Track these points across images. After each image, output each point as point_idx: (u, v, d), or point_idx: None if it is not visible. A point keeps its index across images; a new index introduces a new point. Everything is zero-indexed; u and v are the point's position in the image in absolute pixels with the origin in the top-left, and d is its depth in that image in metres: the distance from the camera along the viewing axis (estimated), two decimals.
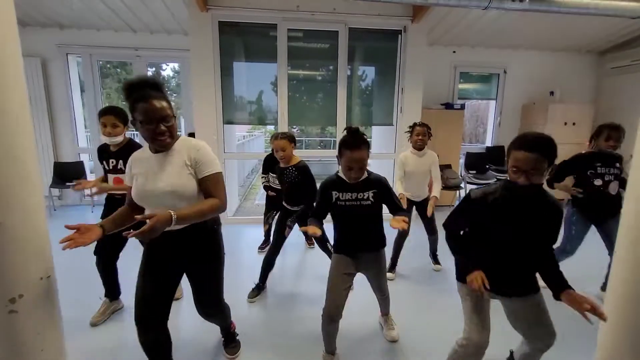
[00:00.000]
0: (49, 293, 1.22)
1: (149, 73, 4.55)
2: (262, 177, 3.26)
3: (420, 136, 2.65)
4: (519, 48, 5.20)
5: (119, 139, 2.04)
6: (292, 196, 2.44)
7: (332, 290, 1.68)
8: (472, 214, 1.39)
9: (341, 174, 1.64)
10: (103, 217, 2.13)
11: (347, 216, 1.66)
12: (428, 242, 3.00)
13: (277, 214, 2.59)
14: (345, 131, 1.59)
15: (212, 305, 1.62)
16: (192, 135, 4.16)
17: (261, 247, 3.38)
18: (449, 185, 4.82)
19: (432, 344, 1.96)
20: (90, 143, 5.02)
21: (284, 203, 2.52)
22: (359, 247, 1.71)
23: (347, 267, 1.71)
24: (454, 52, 5.13)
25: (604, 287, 2.51)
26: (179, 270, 1.51)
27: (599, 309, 1.20)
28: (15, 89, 1.09)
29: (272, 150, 3.00)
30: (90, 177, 5.00)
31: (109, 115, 1.99)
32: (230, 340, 1.88)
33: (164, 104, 1.28)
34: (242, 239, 3.77)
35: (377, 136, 5.91)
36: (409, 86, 4.23)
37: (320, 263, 2.80)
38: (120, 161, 2.07)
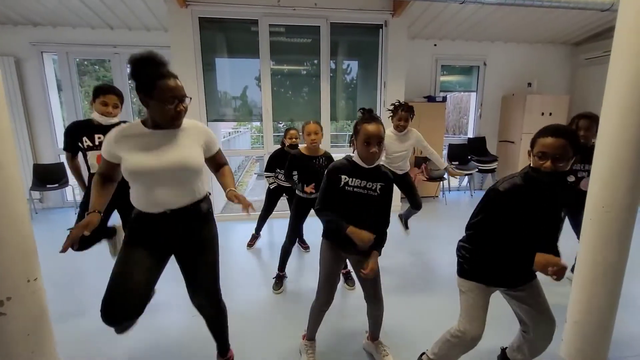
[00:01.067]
0: (37, 295, 1.23)
1: (129, 69, 4.43)
2: (267, 178, 3.06)
3: (403, 121, 2.69)
4: (497, 40, 5.32)
5: (116, 120, 1.99)
6: (317, 185, 2.39)
7: (326, 278, 1.67)
8: (505, 208, 1.33)
9: (355, 158, 1.55)
10: (83, 203, 2.07)
11: (351, 204, 1.55)
12: (407, 210, 3.04)
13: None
14: (361, 111, 1.56)
15: (210, 294, 1.50)
16: None
17: (250, 244, 3.40)
18: (433, 177, 4.94)
19: (413, 338, 1.97)
20: None
21: (299, 193, 2.48)
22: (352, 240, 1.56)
23: (338, 256, 1.67)
24: (435, 45, 5.21)
25: (572, 269, 2.66)
26: (164, 258, 1.43)
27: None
28: None
29: (289, 146, 2.87)
30: (72, 178, 4.90)
31: (112, 95, 1.94)
32: None
33: (180, 83, 1.29)
34: (231, 236, 3.79)
35: None
36: (391, 80, 4.29)
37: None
38: None
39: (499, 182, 1.36)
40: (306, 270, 2.89)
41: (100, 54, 4.72)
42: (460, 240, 1.53)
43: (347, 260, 1.79)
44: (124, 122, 2.04)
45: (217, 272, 1.51)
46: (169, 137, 1.33)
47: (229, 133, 9.91)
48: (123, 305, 1.26)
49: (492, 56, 5.41)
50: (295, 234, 2.54)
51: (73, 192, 4.81)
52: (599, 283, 1.54)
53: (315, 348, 1.84)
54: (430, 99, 5.07)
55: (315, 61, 4.22)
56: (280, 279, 2.58)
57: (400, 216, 3.21)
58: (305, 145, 2.46)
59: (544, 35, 5.21)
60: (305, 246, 3.38)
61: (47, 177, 4.53)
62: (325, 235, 1.69)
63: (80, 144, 2.01)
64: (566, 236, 2.49)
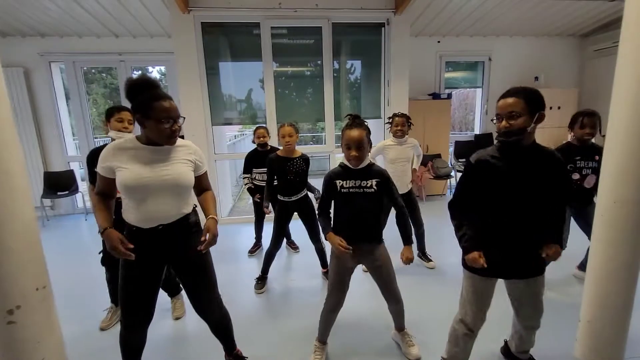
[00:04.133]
0: (46, 303, 1.24)
1: (134, 75, 4.51)
2: (244, 178, 3.15)
3: (399, 126, 2.70)
4: (503, 35, 5.25)
5: (130, 136, 2.03)
6: (296, 187, 2.51)
7: (335, 281, 1.72)
8: (477, 179, 1.40)
9: (344, 162, 1.67)
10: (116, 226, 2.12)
11: (349, 203, 1.65)
12: (415, 238, 2.92)
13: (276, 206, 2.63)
14: (347, 117, 1.68)
15: (209, 301, 1.58)
16: (181, 137, 4.15)
17: (251, 251, 3.35)
18: (440, 175, 4.89)
19: (430, 336, 1.96)
20: (80, 151, 4.98)
21: (280, 197, 2.54)
22: (356, 237, 1.66)
23: (347, 259, 1.70)
24: (439, 41, 5.16)
25: (580, 266, 2.59)
26: (161, 268, 1.52)
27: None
28: None
29: (258, 145, 3.10)
30: (82, 185, 4.98)
31: (126, 112, 2.02)
32: None
33: (174, 103, 1.38)
34: (237, 239, 3.80)
35: None
36: (395, 78, 4.26)
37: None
38: None
39: (474, 154, 1.43)
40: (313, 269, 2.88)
41: (106, 62, 4.79)
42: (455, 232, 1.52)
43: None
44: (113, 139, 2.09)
45: (214, 280, 1.60)
46: (163, 153, 1.41)
47: (235, 136, 9.97)
48: (137, 323, 1.51)
49: (498, 51, 5.33)
50: (279, 238, 2.58)
51: (83, 198, 4.89)
52: (612, 281, 1.49)
53: (325, 351, 1.84)
54: (435, 96, 5.03)
55: (318, 62, 4.21)
56: (262, 280, 2.64)
57: (417, 255, 3.01)
58: (282, 147, 2.54)
59: (550, 28, 5.11)
60: (294, 247, 3.39)
61: (57, 184, 4.61)
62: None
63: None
64: (573, 235, 2.47)
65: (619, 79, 1.46)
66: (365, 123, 1.65)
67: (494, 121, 1.36)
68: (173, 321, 2.25)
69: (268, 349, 1.95)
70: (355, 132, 1.58)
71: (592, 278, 1.58)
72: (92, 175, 2.03)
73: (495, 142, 1.40)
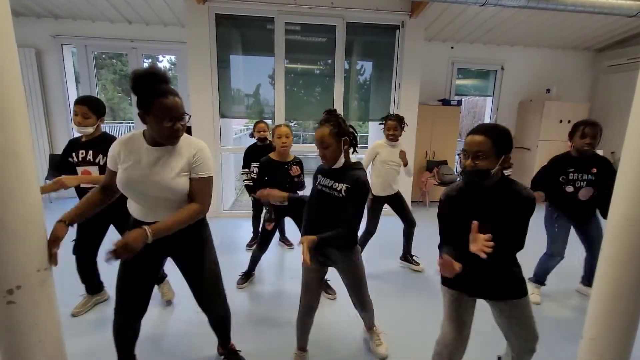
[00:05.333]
0: (46, 285, 1.24)
1: (145, 64, 4.49)
2: (242, 174, 3.07)
3: (392, 130, 2.66)
4: (517, 44, 5.20)
5: (89, 130, 1.99)
6: (292, 191, 2.39)
7: (306, 280, 1.68)
8: (449, 214, 1.36)
9: None
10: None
11: (318, 202, 1.60)
12: (403, 239, 2.93)
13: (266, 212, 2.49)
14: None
15: (213, 290, 1.56)
16: (188, 128, 4.14)
17: (249, 245, 3.34)
18: (444, 181, 4.86)
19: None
20: None
21: (272, 202, 2.43)
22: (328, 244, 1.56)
23: (316, 260, 1.63)
24: (452, 47, 5.13)
25: (583, 281, 2.55)
26: (159, 262, 1.51)
27: None
28: (12, 84, 1.10)
29: (258, 139, 3.05)
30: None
31: (81, 105, 1.95)
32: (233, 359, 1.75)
33: (179, 101, 1.27)
34: (239, 233, 3.79)
35: (374, 131, 5.92)
36: (406, 82, 4.23)
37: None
38: (90, 152, 2.02)
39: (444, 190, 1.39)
40: None
41: (117, 48, 4.80)
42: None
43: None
44: (105, 133, 2.10)
45: (217, 277, 1.55)
46: (161, 155, 1.31)
47: (241, 130, 9.96)
48: (130, 314, 1.47)
49: (511, 60, 5.29)
50: (265, 243, 2.48)
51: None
52: (619, 300, 1.47)
53: (306, 359, 1.80)
54: (445, 102, 5.00)
55: (330, 61, 4.19)
56: (247, 276, 2.61)
57: (403, 257, 3.02)
58: (276, 150, 2.41)
59: (565, 40, 5.07)
60: (288, 243, 3.37)
61: (62, 167, 4.61)
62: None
63: (70, 161, 2.05)
64: (572, 248, 2.42)
65: (638, 96, 1.43)
66: (336, 119, 1.52)
67: (461, 156, 1.35)
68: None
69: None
70: (318, 131, 1.52)
71: (598, 295, 1.56)
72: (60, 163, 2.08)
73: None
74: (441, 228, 1.43)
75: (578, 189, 2.21)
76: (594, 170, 2.17)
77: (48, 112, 4.63)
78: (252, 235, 3.40)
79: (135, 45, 4.61)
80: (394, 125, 2.65)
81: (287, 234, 3.45)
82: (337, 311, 2.29)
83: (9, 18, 1.10)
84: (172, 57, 12.80)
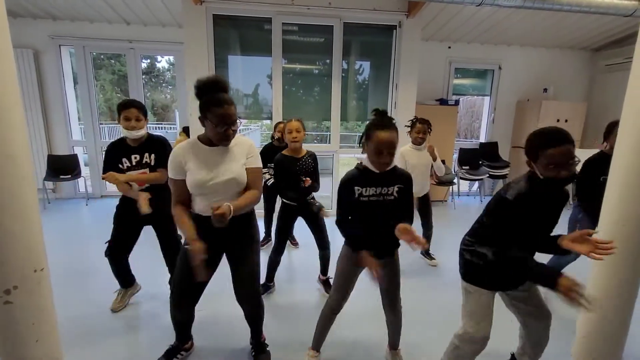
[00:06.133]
0: (43, 285, 1.25)
1: (144, 65, 4.47)
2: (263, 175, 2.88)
3: (421, 134, 2.69)
4: (514, 44, 5.22)
5: (142, 132, 1.99)
6: (304, 188, 2.30)
7: (342, 283, 1.64)
8: (516, 216, 1.30)
9: (366, 163, 1.48)
10: (116, 216, 2.13)
11: (370, 215, 1.51)
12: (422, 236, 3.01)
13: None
14: (374, 113, 1.49)
15: (250, 285, 1.65)
16: (186, 129, 4.15)
17: (261, 244, 3.28)
18: (442, 181, 4.87)
19: (432, 344, 1.92)
20: (84, 136, 5.00)
21: (285, 200, 2.37)
22: (377, 253, 1.50)
23: (357, 264, 1.56)
24: (449, 47, 5.14)
25: None
26: (218, 257, 1.61)
27: None
28: (8, 84, 1.11)
29: (273, 139, 3.00)
30: (85, 169, 4.99)
31: (132, 109, 1.95)
32: (260, 351, 1.82)
33: (233, 109, 1.43)
34: None
35: None
36: (403, 81, 4.24)
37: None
38: (146, 154, 2.03)
39: (505, 190, 1.34)
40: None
41: (116, 49, 4.80)
42: (463, 244, 1.49)
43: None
44: (151, 134, 2.09)
45: (255, 274, 1.65)
46: (222, 155, 1.50)
47: (240, 130, 9.97)
48: (185, 306, 1.63)
49: (508, 60, 5.30)
50: (281, 245, 2.41)
51: (85, 183, 4.91)
52: (611, 297, 1.49)
53: None
54: (443, 101, 5.01)
55: (327, 61, 4.20)
56: (266, 288, 2.46)
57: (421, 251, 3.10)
58: (288, 146, 2.35)
59: (562, 40, 5.08)
60: (294, 242, 3.36)
61: (60, 168, 4.62)
62: (348, 243, 1.62)
63: (121, 166, 2.02)
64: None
65: (630, 96, 1.45)
66: (393, 121, 1.46)
67: (545, 169, 1.26)
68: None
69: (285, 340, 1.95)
70: (388, 134, 1.38)
71: (591, 293, 1.57)
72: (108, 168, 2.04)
73: (527, 177, 1.37)
74: (497, 228, 1.37)
75: None
76: None
77: (46, 113, 4.64)
78: (263, 234, 3.38)
79: (133, 46, 4.62)
80: (424, 129, 2.68)
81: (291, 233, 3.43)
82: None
83: (4, 19, 1.11)
84: (171, 58, 12.82)
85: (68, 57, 4.71)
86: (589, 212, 2.26)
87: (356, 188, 1.47)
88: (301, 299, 2.46)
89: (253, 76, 4.29)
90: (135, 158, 2.03)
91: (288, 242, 3.28)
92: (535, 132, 1.30)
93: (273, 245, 2.46)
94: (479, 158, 5.33)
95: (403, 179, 1.51)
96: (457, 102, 5.06)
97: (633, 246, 1.43)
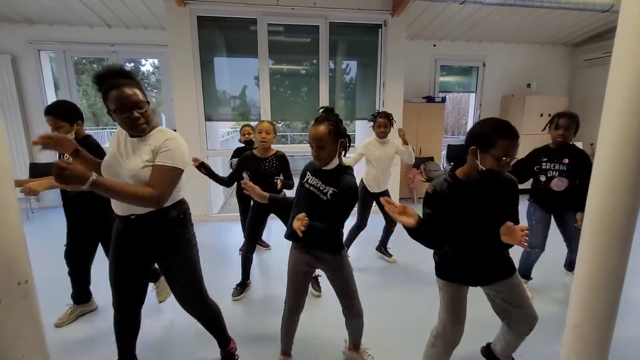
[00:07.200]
0: (28, 297, 1.20)
1: (127, 68, 4.37)
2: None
3: (382, 128, 2.71)
4: (497, 41, 5.31)
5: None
6: (270, 188, 2.28)
7: (293, 282, 1.62)
8: (440, 209, 1.36)
9: None
10: (67, 215, 2.14)
11: (307, 201, 1.51)
12: (382, 233, 3.04)
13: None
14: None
15: (192, 299, 1.55)
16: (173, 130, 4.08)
17: (242, 249, 3.28)
18: (431, 177, 4.92)
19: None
20: None
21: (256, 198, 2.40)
22: (310, 242, 1.52)
23: (304, 259, 1.60)
24: (434, 45, 5.20)
25: (566, 266, 2.62)
26: (147, 258, 1.48)
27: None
28: None
29: (244, 142, 2.98)
30: None
31: (48, 116, 1.81)
32: None
33: (136, 90, 1.28)
34: (229, 236, 3.76)
35: (360, 130, 5.95)
36: (390, 80, 4.27)
37: None
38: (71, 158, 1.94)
39: (430, 186, 1.42)
40: None
41: (97, 53, 4.69)
42: None
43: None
44: (89, 137, 2.00)
45: (197, 276, 1.53)
46: (133, 147, 1.35)
47: (228, 132, 9.87)
48: (128, 306, 1.51)
49: (492, 57, 5.39)
50: (252, 242, 2.45)
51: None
52: (600, 287, 1.52)
53: None
54: (430, 99, 5.06)
55: (314, 61, 4.20)
56: (242, 287, 2.49)
57: (378, 248, 3.14)
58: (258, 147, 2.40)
59: (543, 36, 5.20)
60: (264, 245, 3.35)
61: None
62: (288, 235, 1.56)
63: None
64: (553, 240, 2.47)
65: (610, 89, 1.47)
66: (335, 118, 1.46)
67: (493, 161, 1.28)
68: (168, 317, 2.20)
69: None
70: (313, 130, 1.43)
71: (579, 283, 1.61)
72: None
73: (444, 174, 1.50)
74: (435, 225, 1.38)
75: (550, 178, 2.23)
76: (566, 160, 2.18)
77: (26, 120, 4.50)
78: (244, 239, 3.35)
79: (116, 50, 4.52)
80: (385, 123, 2.70)
81: (264, 236, 3.39)
82: (323, 314, 2.27)
83: None
84: (155, 61, 12.60)
85: (48, 62, 4.58)
86: (537, 202, 2.35)
87: (307, 173, 1.56)
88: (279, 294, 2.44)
89: (240, 78, 4.25)
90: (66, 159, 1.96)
91: (259, 245, 3.29)
92: (488, 122, 1.29)
93: (243, 242, 2.48)
94: (466, 153, 5.39)
95: (340, 185, 1.44)
96: (443, 100, 5.12)
97: (618, 235, 1.46)
